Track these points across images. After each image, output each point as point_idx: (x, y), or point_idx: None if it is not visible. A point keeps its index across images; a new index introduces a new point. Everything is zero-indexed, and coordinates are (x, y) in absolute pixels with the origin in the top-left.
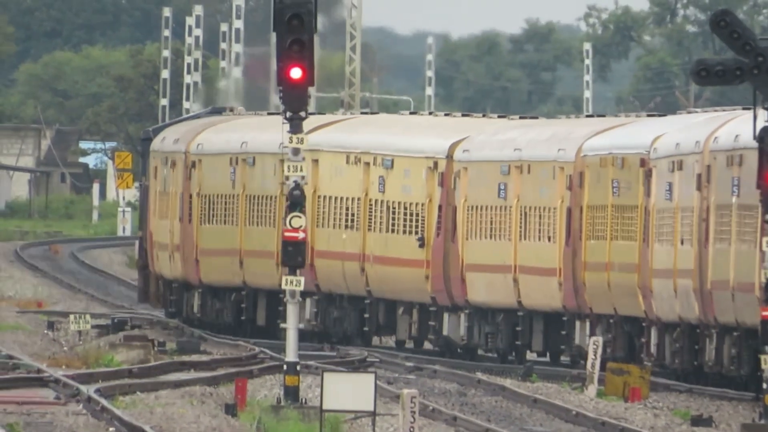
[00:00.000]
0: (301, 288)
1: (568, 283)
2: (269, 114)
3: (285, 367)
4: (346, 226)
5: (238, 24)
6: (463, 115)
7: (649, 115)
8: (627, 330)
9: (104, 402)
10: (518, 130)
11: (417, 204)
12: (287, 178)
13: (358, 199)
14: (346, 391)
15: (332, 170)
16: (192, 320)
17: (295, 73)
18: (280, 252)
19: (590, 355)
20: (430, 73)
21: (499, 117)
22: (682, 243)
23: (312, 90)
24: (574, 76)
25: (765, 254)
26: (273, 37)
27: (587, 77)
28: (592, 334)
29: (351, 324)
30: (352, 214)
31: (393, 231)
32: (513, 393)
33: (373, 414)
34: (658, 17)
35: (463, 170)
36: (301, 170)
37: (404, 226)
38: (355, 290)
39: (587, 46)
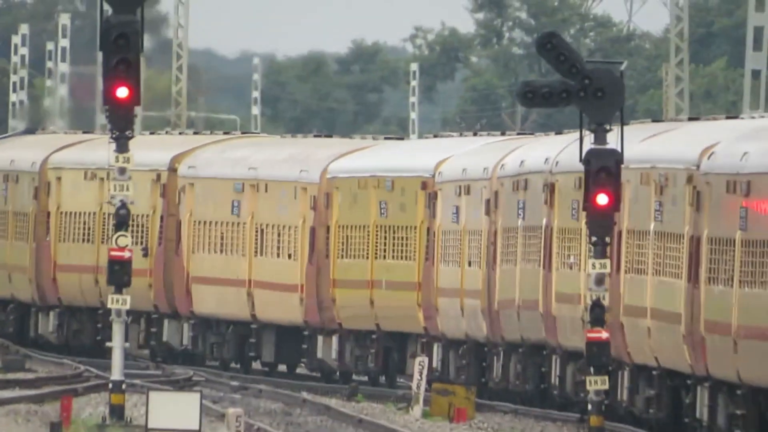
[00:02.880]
0: (128, 306)
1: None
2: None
3: (110, 385)
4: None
5: (65, 42)
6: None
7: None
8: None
9: None
10: (250, 149)
11: (142, 216)
12: (113, 197)
13: (94, 213)
14: (172, 409)
15: (72, 186)
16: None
17: (122, 92)
18: (107, 271)
19: (416, 376)
20: (256, 93)
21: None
22: (469, 264)
23: (138, 109)
24: (400, 97)
25: (591, 276)
26: (100, 56)
27: (413, 98)
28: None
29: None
30: (88, 228)
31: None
32: (338, 413)
33: None
34: (484, 39)
35: (188, 185)
36: (128, 189)
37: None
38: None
39: (414, 66)
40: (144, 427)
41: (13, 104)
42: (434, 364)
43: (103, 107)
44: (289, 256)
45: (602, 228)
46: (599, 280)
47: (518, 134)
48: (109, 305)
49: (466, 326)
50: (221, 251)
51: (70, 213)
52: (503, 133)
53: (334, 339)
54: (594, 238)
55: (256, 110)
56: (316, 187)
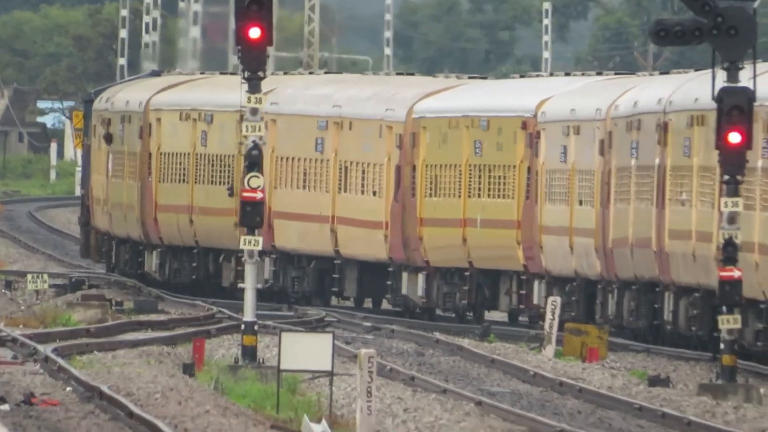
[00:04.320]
0: (260, 248)
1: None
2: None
3: (243, 327)
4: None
5: None
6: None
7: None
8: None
9: (61, 362)
10: (334, 86)
11: (227, 156)
12: (245, 137)
13: (188, 154)
14: (304, 351)
15: (170, 127)
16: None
17: (254, 32)
18: (239, 212)
19: (548, 315)
20: (388, 34)
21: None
22: (580, 203)
23: (271, 50)
24: (532, 36)
25: (723, 215)
26: None
27: (546, 37)
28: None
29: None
30: (183, 169)
31: (212, 183)
32: (471, 353)
33: (330, 374)
34: None
35: (270, 122)
36: (260, 130)
37: (219, 177)
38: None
39: (546, 5)
40: (276, 369)
41: (146, 45)
42: (535, 301)
43: (235, 48)
44: (374, 193)
45: (734, 166)
46: (731, 219)
47: (616, 74)
48: (241, 246)
49: (575, 264)
50: (304, 187)
51: (168, 154)
52: (599, 74)
53: (420, 276)
54: (726, 177)
55: (388, 51)
56: (402, 126)
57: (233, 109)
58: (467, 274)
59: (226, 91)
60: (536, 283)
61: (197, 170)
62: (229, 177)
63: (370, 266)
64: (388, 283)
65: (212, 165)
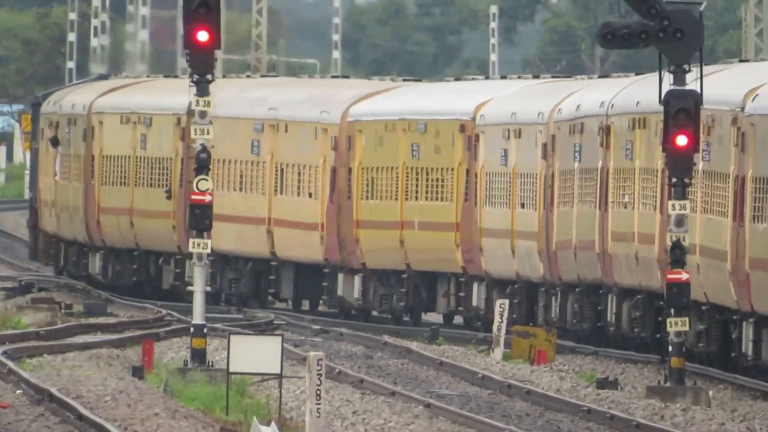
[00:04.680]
0: (209, 250)
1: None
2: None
3: (192, 329)
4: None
5: None
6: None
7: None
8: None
9: (11, 364)
10: (269, 89)
11: (165, 159)
12: (194, 141)
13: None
14: (253, 353)
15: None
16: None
17: (202, 36)
18: (187, 215)
19: (496, 318)
20: (336, 37)
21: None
22: (522, 206)
23: (219, 53)
24: (480, 39)
25: (670, 217)
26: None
27: (493, 40)
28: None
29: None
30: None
31: (151, 186)
32: (419, 356)
33: (279, 376)
34: None
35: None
36: (209, 133)
37: (158, 180)
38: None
39: (494, 8)
40: (226, 371)
41: (95, 48)
42: (474, 303)
43: (183, 51)
44: (310, 195)
45: (682, 169)
46: (679, 222)
47: (553, 77)
48: (190, 249)
49: (517, 266)
50: (241, 189)
51: (110, 156)
52: (536, 77)
53: (357, 278)
54: (674, 179)
55: (336, 54)
56: (337, 128)
57: (170, 112)
58: (404, 276)
59: (165, 94)
60: (475, 286)
61: (137, 173)
62: (167, 180)
63: (306, 268)
64: (324, 284)
65: (151, 168)
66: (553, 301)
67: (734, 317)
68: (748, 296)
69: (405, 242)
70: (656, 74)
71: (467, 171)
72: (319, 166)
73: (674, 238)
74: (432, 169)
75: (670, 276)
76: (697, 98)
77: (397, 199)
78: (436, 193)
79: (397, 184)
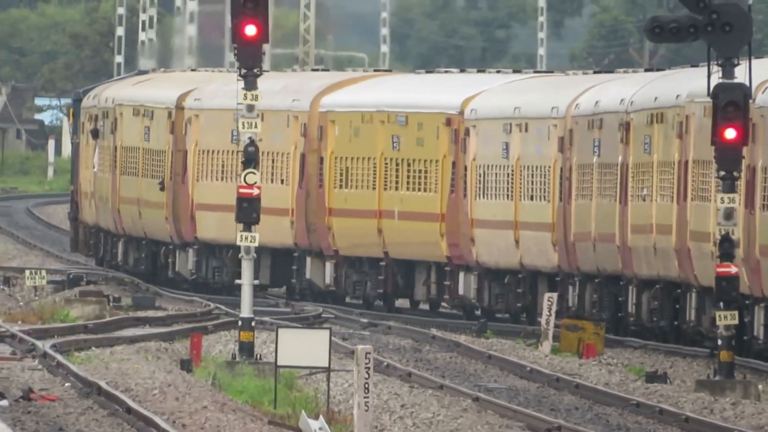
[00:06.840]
0: (256, 244)
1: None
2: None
3: (240, 322)
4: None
5: None
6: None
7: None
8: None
9: (60, 357)
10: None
11: (159, 151)
12: (241, 134)
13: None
14: (301, 347)
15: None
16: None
17: (250, 30)
18: (236, 208)
19: (545, 312)
20: (384, 31)
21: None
22: (531, 198)
23: (267, 47)
24: (528, 34)
25: (719, 211)
26: None
27: (541, 34)
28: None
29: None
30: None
31: (152, 177)
32: (467, 349)
33: (327, 370)
34: None
35: (194, 117)
36: (256, 126)
37: (157, 171)
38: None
39: (541, 3)
40: (273, 365)
41: (143, 43)
42: (461, 291)
43: (231, 45)
44: (282, 181)
45: (730, 162)
46: (728, 215)
47: (542, 72)
48: (237, 242)
49: (522, 256)
50: (222, 179)
51: (126, 148)
52: (517, 71)
53: (328, 264)
54: (722, 173)
55: (384, 48)
56: (306, 115)
57: (163, 106)
58: (382, 264)
59: (164, 88)
60: (462, 275)
61: (144, 164)
62: (162, 172)
63: (280, 253)
64: (294, 268)
65: (152, 159)
66: (571, 290)
67: (746, 302)
68: (759, 282)
69: (383, 231)
70: (671, 71)
71: (453, 163)
72: (290, 153)
73: (723, 232)
74: (414, 160)
75: (719, 269)
76: (746, 91)
77: (374, 188)
78: (419, 184)
79: (374, 174)
